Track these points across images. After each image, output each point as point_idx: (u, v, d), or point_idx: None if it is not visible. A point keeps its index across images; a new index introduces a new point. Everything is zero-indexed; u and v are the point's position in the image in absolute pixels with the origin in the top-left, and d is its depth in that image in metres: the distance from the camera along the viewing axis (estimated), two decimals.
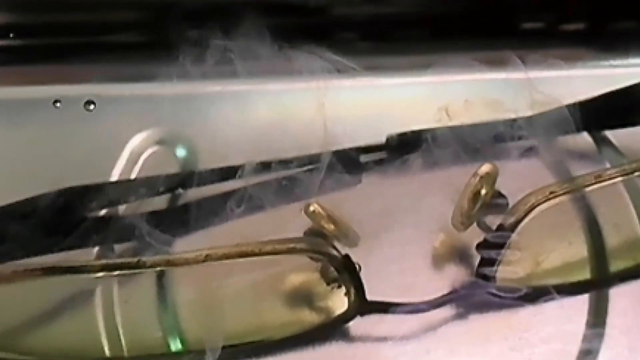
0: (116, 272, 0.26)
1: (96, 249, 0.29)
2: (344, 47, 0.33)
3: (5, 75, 0.35)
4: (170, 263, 0.26)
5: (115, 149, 0.33)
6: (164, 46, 0.33)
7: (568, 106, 0.31)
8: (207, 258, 0.26)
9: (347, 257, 0.27)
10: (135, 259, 0.25)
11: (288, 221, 0.28)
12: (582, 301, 0.29)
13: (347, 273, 0.27)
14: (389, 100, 0.35)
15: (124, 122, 0.34)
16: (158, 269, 0.26)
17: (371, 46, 0.34)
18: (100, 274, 0.26)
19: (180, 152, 0.34)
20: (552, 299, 0.28)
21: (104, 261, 0.26)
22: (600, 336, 0.29)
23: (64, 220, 0.29)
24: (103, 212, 0.31)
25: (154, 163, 0.33)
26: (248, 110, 0.34)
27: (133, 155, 0.33)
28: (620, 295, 0.30)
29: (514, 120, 0.32)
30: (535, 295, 0.29)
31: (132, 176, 0.33)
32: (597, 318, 0.29)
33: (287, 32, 0.32)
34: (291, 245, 0.27)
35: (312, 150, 0.32)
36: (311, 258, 0.27)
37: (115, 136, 0.33)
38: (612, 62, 0.35)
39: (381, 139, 0.33)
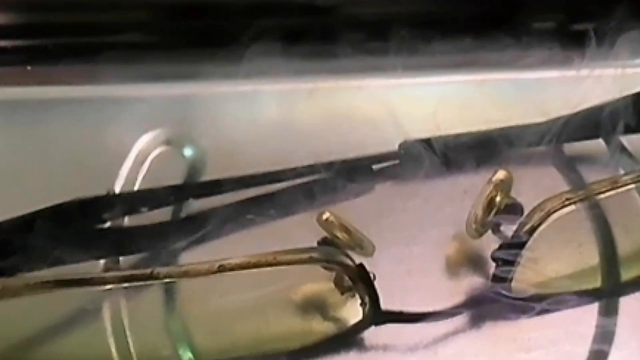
0: (130, 284, 0.25)
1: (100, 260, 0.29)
2: (352, 47, 0.33)
3: (13, 75, 0.35)
4: (184, 274, 0.26)
5: (123, 150, 0.33)
6: (171, 46, 0.33)
7: (581, 111, 0.31)
8: (220, 269, 0.25)
9: (361, 266, 0.27)
10: (149, 270, 0.25)
11: (301, 231, 0.28)
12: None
13: (361, 282, 0.27)
14: (400, 101, 0.34)
15: (131, 122, 0.34)
16: (172, 280, 0.26)
17: (380, 46, 0.34)
18: (113, 286, 0.25)
19: (188, 152, 0.33)
20: (569, 306, 0.28)
21: (117, 273, 0.25)
22: (610, 337, 0.28)
23: (73, 231, 0.29)
24: (109, 223, 0.30)
25: (161, 163, 0.33)
26: (256, 110, 0.34)
27: (141, 155, 0.33)
28: (630, 297, 0.30)
29: (527, 126, 0.31)
30: (551, 302, 0.28)
31: (140, 176, 0.32)
32: (607, 319, 0.29)
33: (295, 32, 0.32)
34: (305, 255, 0.26)
35: (320, 151, 0.32)
36: (325, 268, 0.27)
37: (122, 136, 0.33)
38: (618, 62, 0.35)
39: (392, 141, 0.33)
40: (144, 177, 0.33)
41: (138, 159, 0.33)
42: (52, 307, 0.27)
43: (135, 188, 0.32)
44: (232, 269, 0.26)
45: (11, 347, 0.27)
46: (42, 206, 0.29)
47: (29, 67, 0.34)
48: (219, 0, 0.35)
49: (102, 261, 0.29)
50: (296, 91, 0.34)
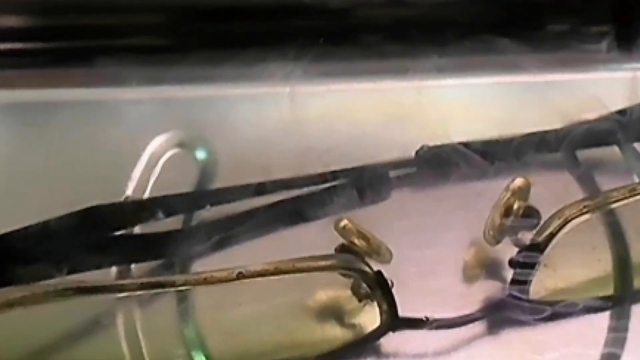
0: (149, 291, 0.25)
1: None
2: (367, 50, 0.33)
3: (26, 77, 0.35)
4: (202, 281, 0.25)
5: (135, 152, 0.33)
6: (183, 49, 0.33)
7: (596, 118, 0.31)
8: (239, 276, 0.25)
9: (379, 273, 0.27)
10: (167, 278, 0.25)
11: (318, 238, 0.28)
12: None
13: (379, 289, 0.27)
14: (415, 104, 0.34)
15: (143, 124, 0.33)
16: (190, 287, 0.26)
17: (395, 49, 0.33)
18: (131, 293, 0.25)
19: (200, 154, 0.33)
20: (583, 311, 0.28)
21: (136, 280, 0.25)
22: (622, 340, 0.28)
23: (89, 239, 0.29)
24: (125, 230, 0.30)
25: (173, 166, 0.33)
26: (268, 113, 0.34)
27: (153, 158, 0.33)
28: None
29: (542, 132, 0.31)
30: (566, 307, 0.28)
31: (152, 179, 0.32)
32: (619, 322, 0.29)
33: (309, 34, 0.32)
34: (324, 263, 0.26)
35: (334, 154, 0.32)
36: (343, 275, 0.27)
37: (134, 139, 0.33)
38: (635, 64, 0.35)
39: (408, 145, 0.33)
40: (156, 180, 0.32)
41: (150, 161, 0.33)
42: (65, 313, 0.27)
43: (147, 191, 0.32)
44: (251, 276, 0.25)
45: (26, 354, 0.27)
46: (54, 209, 0.29)
47: None
48: (232, 3, 0.35)
49: (114, 269, 0.29)
50: (309, 94, 0.34)
